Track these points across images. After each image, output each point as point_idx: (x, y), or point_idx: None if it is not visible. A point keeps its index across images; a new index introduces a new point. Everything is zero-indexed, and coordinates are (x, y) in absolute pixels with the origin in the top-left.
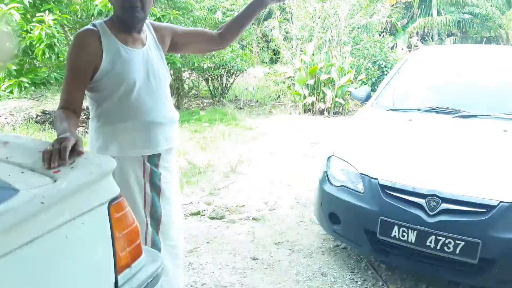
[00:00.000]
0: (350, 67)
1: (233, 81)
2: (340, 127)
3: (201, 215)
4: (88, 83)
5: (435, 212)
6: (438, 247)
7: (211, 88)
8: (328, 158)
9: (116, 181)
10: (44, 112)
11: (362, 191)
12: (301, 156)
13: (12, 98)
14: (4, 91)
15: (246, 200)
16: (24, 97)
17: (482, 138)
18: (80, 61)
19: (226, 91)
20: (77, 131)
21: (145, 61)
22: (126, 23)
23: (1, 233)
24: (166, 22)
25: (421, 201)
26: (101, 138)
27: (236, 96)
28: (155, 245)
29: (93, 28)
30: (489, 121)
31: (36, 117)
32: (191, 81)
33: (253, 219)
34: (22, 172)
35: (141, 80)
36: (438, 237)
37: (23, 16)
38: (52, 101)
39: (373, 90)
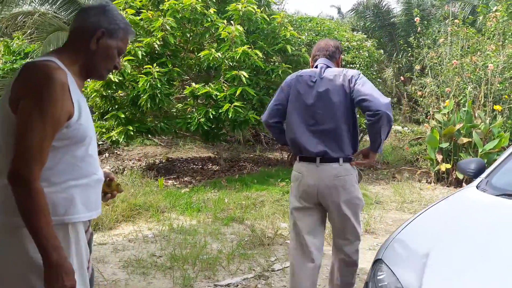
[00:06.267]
0: (503, 130)
1: (361, 139)
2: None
3: None
4: None
5: None
6: None
7: None
8: (374, 263)
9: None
10: (167, 160)
11: None
12: None
13: (150, 145)
14: (114, 138)
15: None
16: (160, 144)
17: None
18: (62, 109)
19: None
20: None
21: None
22: (92, 74)
23: None
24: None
25: None
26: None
27: None
28: None
29: (62, 68)
30: None
31: (159, 163)
32: None
33: None
34: None
35: (92, 133)
36: None
37: (136, 68)
38: (182, 150)
39: None
